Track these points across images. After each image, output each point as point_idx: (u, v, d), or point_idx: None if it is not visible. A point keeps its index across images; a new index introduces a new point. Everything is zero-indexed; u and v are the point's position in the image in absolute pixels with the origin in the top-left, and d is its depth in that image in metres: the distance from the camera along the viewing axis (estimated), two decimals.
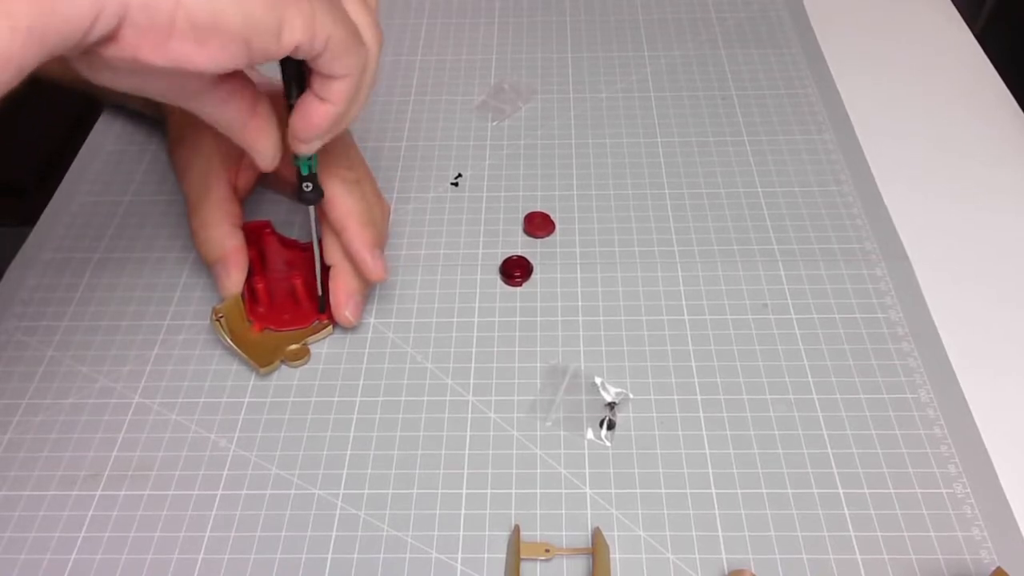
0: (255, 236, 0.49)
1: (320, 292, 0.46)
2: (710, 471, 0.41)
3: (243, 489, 0.41)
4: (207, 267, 0.47)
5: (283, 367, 0.45)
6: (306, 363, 0.45)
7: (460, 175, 0.56)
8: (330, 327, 0.47)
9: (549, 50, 0.66)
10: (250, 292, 0.46)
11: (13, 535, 0.39)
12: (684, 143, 0.58)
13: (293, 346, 0.45)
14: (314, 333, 0.46)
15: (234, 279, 0.46)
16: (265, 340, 0.46)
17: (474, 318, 0.47)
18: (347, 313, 0.45)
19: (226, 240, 0.46)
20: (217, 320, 0.45)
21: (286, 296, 0.47)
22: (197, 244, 0.47)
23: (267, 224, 0.50)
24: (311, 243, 0.48)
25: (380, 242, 0.45)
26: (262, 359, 0.45)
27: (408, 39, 0.67)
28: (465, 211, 0.54)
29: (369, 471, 0.41)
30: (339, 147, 0.44)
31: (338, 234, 0.44)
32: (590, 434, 0.42)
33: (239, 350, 0.45)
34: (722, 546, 0.38)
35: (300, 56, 0.34)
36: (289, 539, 0.39)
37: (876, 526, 0.39)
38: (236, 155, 0.48)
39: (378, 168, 0.56)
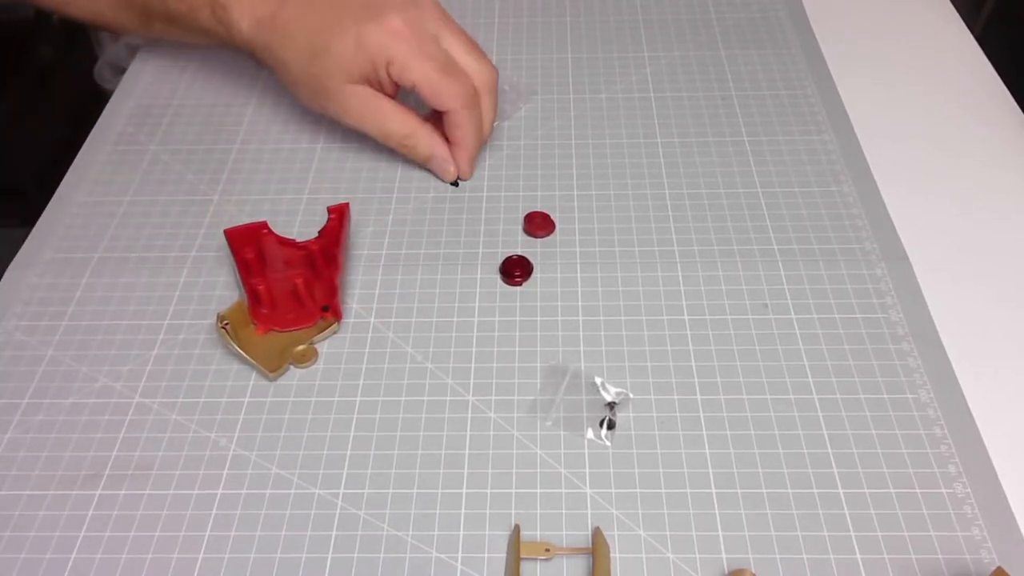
0: (252, 237, 0.49)
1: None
2: (710, 471, 0.41)
3: (243, 488, 0.41)
4: (422, 164, 0.55)
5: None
6: (314, 364, 0.45)
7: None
8: (336, 324, 0.46)
9: (549, 50, 0.66)
10: (252, 294, 0.46)
11: (13, 535, 0.39)
12: (684, 143, 0.58)
13: (300, 347, 0.45)
14: (320, 331, 0.46)
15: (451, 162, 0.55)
16: (271, 342, 0.46)
17: (474, 318, 0.47)
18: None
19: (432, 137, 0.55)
20: (223, 328, 0.45)
21: (288, 296, 0.47)
22: (407, 150, 0.55)
23: (264, 225, 0.50)
24: (308, 241, 0.49)
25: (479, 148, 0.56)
26: (271, 364, 0.44)
27: None
28: (465, 211, 0.54)
29: (369, 471, 0.41)
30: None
31: (452, 145, 0.54)
32: (590, 434, 0.42)
33: (248, 357, 0.44)
34: (722, 546, 0.38)
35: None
36: (289, 538, 0.39)
37: (876, 526, 0.39)
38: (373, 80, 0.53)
39: (378, 168, 0.56)
